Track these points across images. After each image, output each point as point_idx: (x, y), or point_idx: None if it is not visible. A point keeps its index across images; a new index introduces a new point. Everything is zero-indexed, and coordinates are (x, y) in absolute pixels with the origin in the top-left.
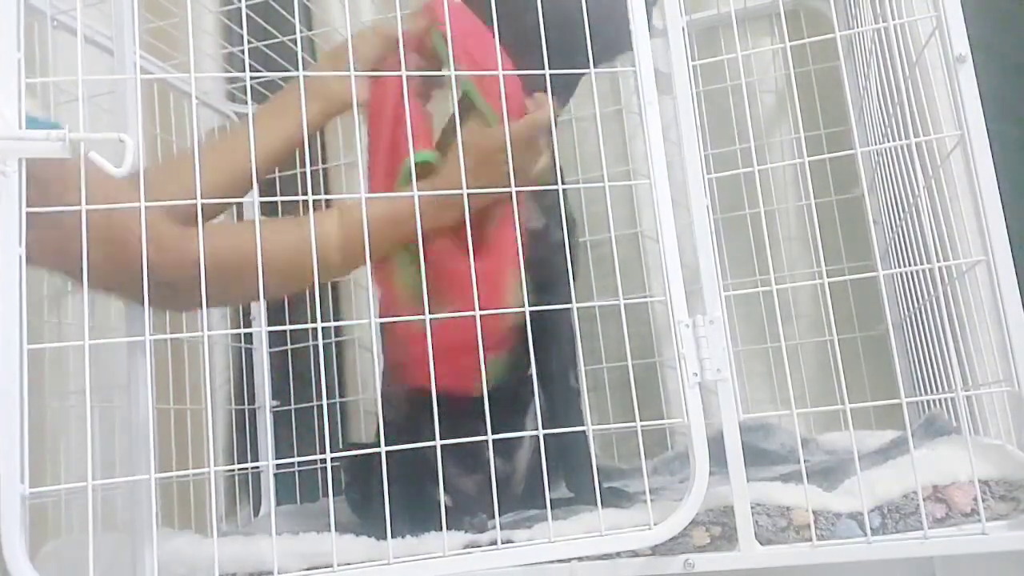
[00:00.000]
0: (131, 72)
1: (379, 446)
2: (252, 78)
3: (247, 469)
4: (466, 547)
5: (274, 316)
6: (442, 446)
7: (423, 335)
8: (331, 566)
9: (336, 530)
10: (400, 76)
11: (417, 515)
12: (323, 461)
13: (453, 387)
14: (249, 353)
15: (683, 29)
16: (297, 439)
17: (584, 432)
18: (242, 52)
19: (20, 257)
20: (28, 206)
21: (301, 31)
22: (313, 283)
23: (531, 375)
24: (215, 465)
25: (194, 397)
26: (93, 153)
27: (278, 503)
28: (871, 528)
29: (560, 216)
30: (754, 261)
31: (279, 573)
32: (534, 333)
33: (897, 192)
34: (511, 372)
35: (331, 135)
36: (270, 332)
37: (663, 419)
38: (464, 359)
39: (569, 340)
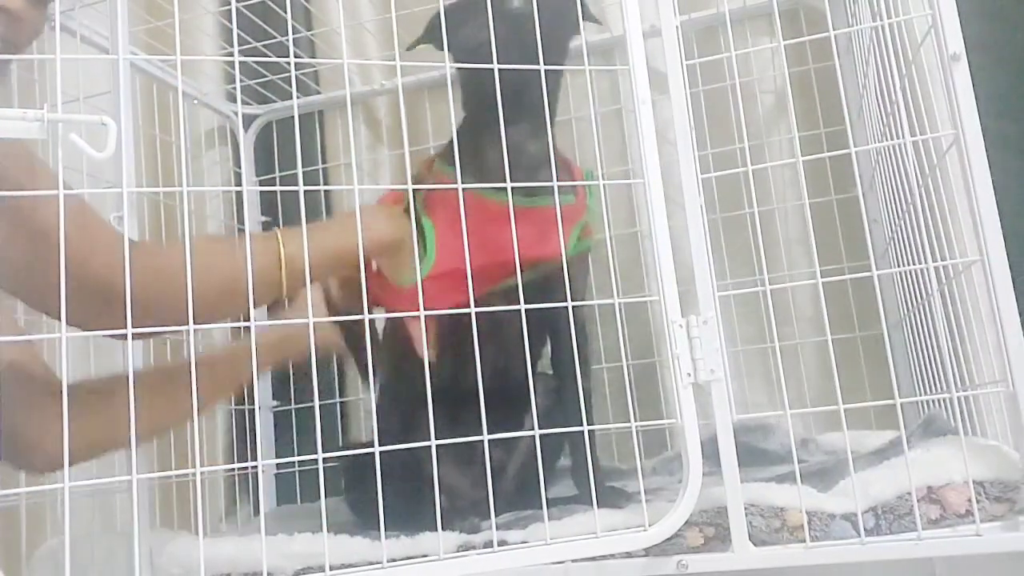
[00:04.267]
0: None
1: (374, 446)
2: (247, 78)
3: (238, 470)
4: (460, 547)
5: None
6: (443, 449)
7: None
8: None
9: (334, 531)
10: None
11: (414, 515)
12: (318, 461)
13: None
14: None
15: (677, 28)
16: (297, 439)
17: (591, 431)
18: (241, 53)
19: None
20: None
21: (299, 30)
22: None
23: (537, 372)
24: (216, 465)
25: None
26: (73, 135)
27: (279, 503)
28: (865, 529)
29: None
30: (754, 261)
31: (272, 574)
32: (549, 334)
33: (897, 191)
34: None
35: (331, 136)
36: None
37: (663, 419)
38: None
39: (580, 338)
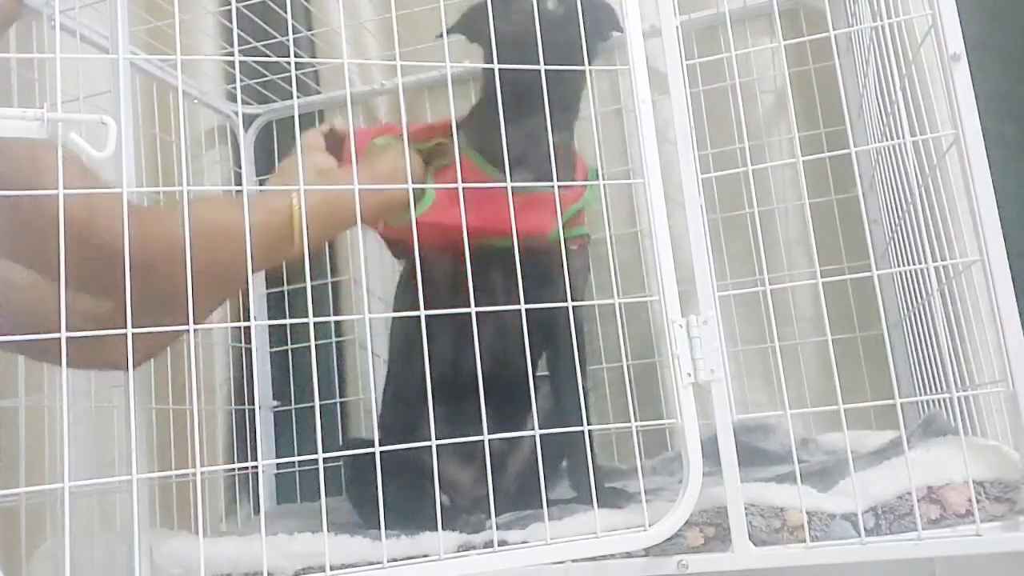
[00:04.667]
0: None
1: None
2: (247, 78)
3: (238, 470)
4: (461, 547)
5: (273, 316)
6: (440, 433)
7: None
8: (324, 567)
9: (335, 530)
10: None
11: (416, 513)
12: (317, 461)
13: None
14: (249, 353)
15: (677, 28)
16: (298, 439)
17: (589, 431)
18: (241, 53)
19: None
20: None
21: (299, 30)
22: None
23: (538, 373)
24: (216, 465)
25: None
26: (73, 134)
27: (279, 502)
28: (865, 529)
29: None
30: (754, 261)
31: (272, 574)
32: (546, 329)
33: (897, 191)
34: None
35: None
36: (272, 332)
37: (663, 419)
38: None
39: (578, 337)
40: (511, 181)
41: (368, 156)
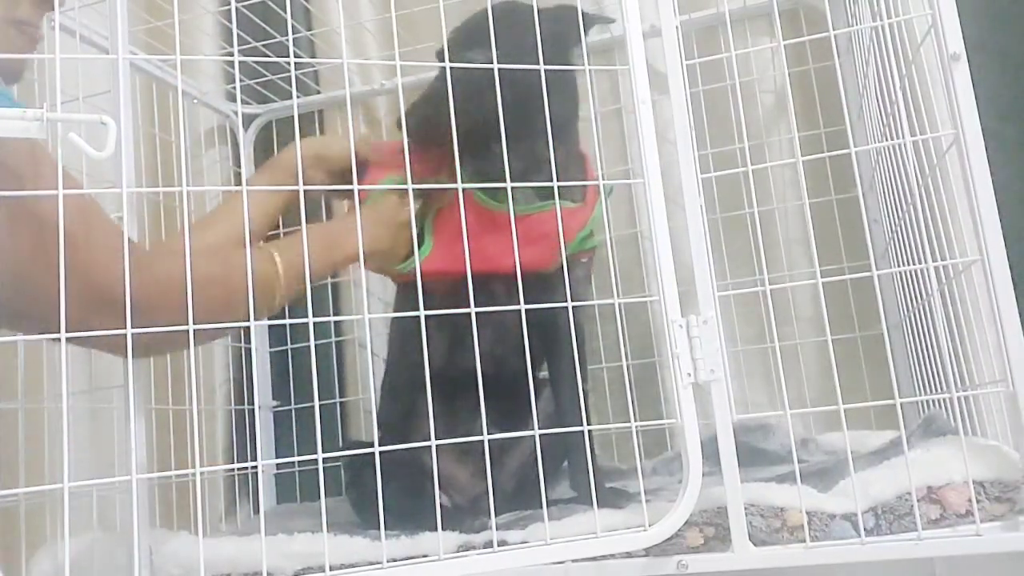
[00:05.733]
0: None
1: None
2: (247, 78)
3: (238, 470)
4: (460, 547)
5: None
6: (441, 435)
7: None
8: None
9: (335, 530)
10: None
11: (417, 514)
12: (317, 461)
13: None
14: (249, 353)
15: (677, 28)
16: (298, 439)
17: (589, 432)
18: (241, 53)
19: None
20: None
21: (299, 30)
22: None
23: (538, 374)
24: (216, 465)
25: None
26: (72, 135)
27: (279, 502)
28: (865, 529)
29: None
30: (754, 261)
31: (272, 574)
32: (546, 333)
33: (897, 191)
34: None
35: (331, 135)
36: (271, 333)
37: (663, 419)
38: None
39: (581, 340)
40: (513, 209)
41: (366, 206)
